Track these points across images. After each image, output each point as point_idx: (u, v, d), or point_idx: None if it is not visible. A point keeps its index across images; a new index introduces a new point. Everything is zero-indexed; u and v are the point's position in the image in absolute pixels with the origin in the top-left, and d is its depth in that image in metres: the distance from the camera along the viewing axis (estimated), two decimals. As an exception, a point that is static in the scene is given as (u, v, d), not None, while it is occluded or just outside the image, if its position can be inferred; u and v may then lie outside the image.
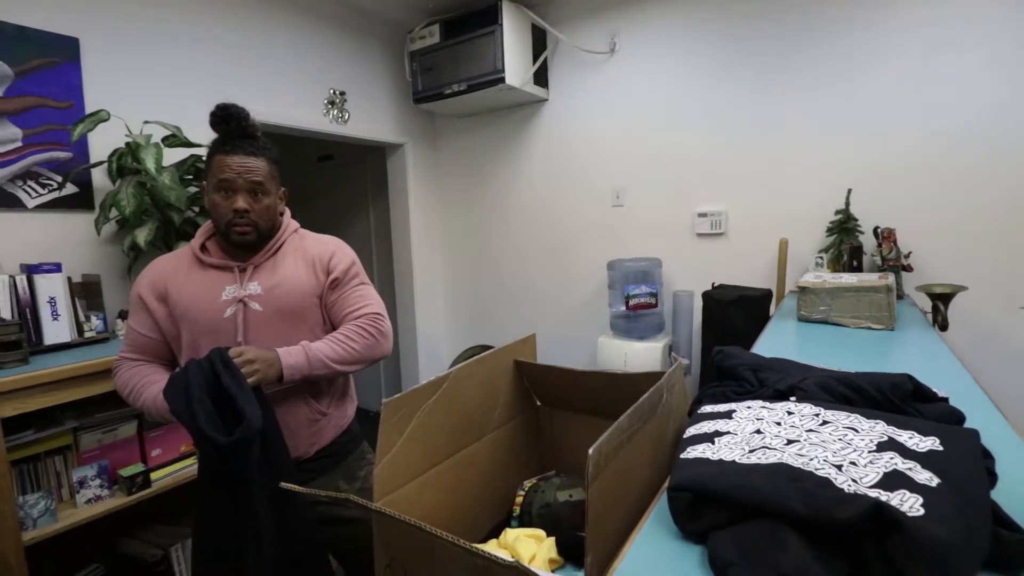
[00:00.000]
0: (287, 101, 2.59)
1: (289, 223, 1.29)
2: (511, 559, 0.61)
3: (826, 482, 0.52)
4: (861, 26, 2.15)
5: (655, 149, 2.70)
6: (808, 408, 0.69)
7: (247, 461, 1.03)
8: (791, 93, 2.32)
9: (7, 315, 1.57)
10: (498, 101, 2.97)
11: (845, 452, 0.58)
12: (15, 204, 1.75)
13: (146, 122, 1.91)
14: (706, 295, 2.37)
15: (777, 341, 1.45)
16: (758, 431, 0.65)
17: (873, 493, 0.50)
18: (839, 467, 0.55)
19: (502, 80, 2.61)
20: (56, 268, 1.69)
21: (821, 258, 2.23)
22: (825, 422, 0.65)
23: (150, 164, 1.70)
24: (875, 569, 0.46)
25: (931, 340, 1.39)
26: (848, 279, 1.62)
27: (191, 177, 1.94)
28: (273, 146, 1.22)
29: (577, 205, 2.99)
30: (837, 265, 2.16)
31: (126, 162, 1.81)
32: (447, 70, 2.80)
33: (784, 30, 2.31)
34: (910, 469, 0.54)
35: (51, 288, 1.66)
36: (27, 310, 1.61)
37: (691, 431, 0.70)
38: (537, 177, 3.11)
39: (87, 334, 1.74)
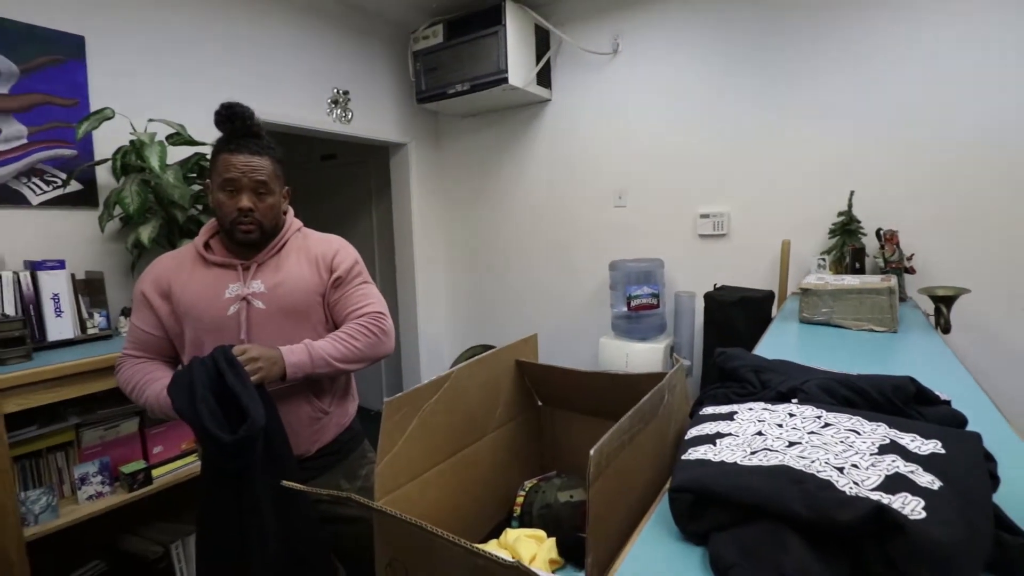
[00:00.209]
0: (291, 100, 2.60)
1: (292, 222, 1.29)
2: (512, 559, 0.61)
3: (828, 484, 0.52)
4: (865, 28, 2.15)
5: (658, 150, 2.70)
6: (810, 410, 0.69)
7: (251, 459, 1.03)
8: (794, 94, 2.32)
9: (11, 311, 1.58)
10: (501, 101, 2.97)
11: (847, 454, 0.58)
12: (20, 201, 1.76)
13: (150, 120, 1.92)
14: (708, 296, 2.37)
15: (779, 343, 1.45)
16: (760, 433, 0.65)
17: (875, 496, 0.49)
18: (841, 469, 0.55)
19: (505, 80, 2.61)
20: (60, 265, 1.70)
21: (823, 260, 2.22)
22: (827, 424, 0.65)
23: (154, 162, 1.70)
24: (876, 572, 0.46)
25: (933, 343, 1.39)
26: (850, 281, 1.61)
27: (195, 175, 1.94)
28: (277, 145, 1.23)
29: (579, 205, 2.99)
30: (839, 267, 2.16)
31: (130, 160, 1.82)
32: (450, 70, 2.80)
33: (787, 31, 2.30)
34: (912, 472, 0.54)
35: (55, 285, 1.66)
36: (31, 307, 1.62)
37: (693, 432, 0.70)
38: (539, 177, 3.11)
39: (90, 331, 1.75)
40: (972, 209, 2.03)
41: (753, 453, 0.60)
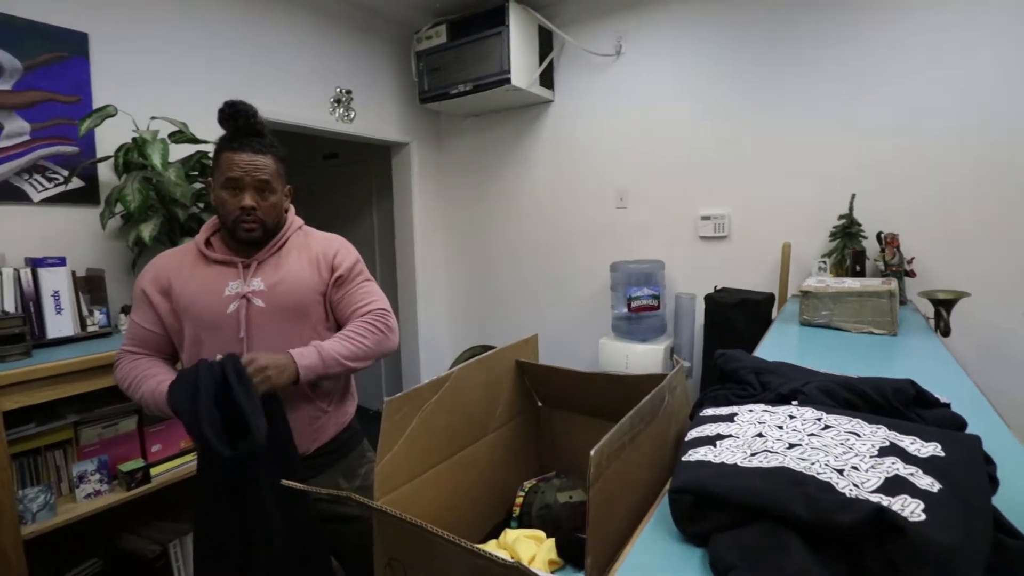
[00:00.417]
0: (294, 99, 2.60)
1: (294, 220, 1.29)
2: (511, 560, 0.61)
3: (828, 486, 0.52)
4: (867, 30, 2.15)
5: (659, 151, 2.70)
6: (810, 412, 0.69)
7: (250, 471, 1.03)
8: (796, 97, 2.32)
9: (11, 308, 1.57)
10: (504, 102, 2.97)
11: (847, 457, 0.58)
12: (21, 198, 1.76)
13: (153, 118, 1.92)
14: (708, 298, 2.37)
15: (779, 345, 1.45)
16: (760, 435, 0.65)
17: (875, 498, 0.50)
18: (841, 471, 0.55)
19: (508, 81, 2.62)
20: (60, 262, 1.70)
21: (824, 262, 2.23)
22: (827, 426, 0.65)
23: (156, 160, 1.70)
24: (876, 573, 0.46)
25: (933, 346, 1.39)
26: (851, 284, 1.61)
27: (196, 173, 1.94)
28: (280, 143, 1.23)
29: (581, 206, 2.99)
30: (840, 270, 2.16)
31: (132, 157, 1.82)
32: (453, 70, 2.81)
33: (789, 35, 2.31)
34: (912, 474, 0.54)
35: (55, 282, 1.66)
36: (31, 303, 1.62)
37: (693, 434, 0.70)
38: (541, 178, 3.12)
39: (90, 328, 1.75)
40: (973, 213, 2.03)
41: (753, 455, 0.60)
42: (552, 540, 0.98)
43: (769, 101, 2.38)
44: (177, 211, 1.84)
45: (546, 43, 2.87)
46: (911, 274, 2.02)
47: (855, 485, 0.52)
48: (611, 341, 2.60)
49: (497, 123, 3.24)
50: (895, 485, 0.52)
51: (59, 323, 1.67)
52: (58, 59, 1.82)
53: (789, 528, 0.50)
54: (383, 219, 3.73)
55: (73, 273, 1.73)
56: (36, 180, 1.79)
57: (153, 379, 1.15)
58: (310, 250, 1.25)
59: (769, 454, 0.60)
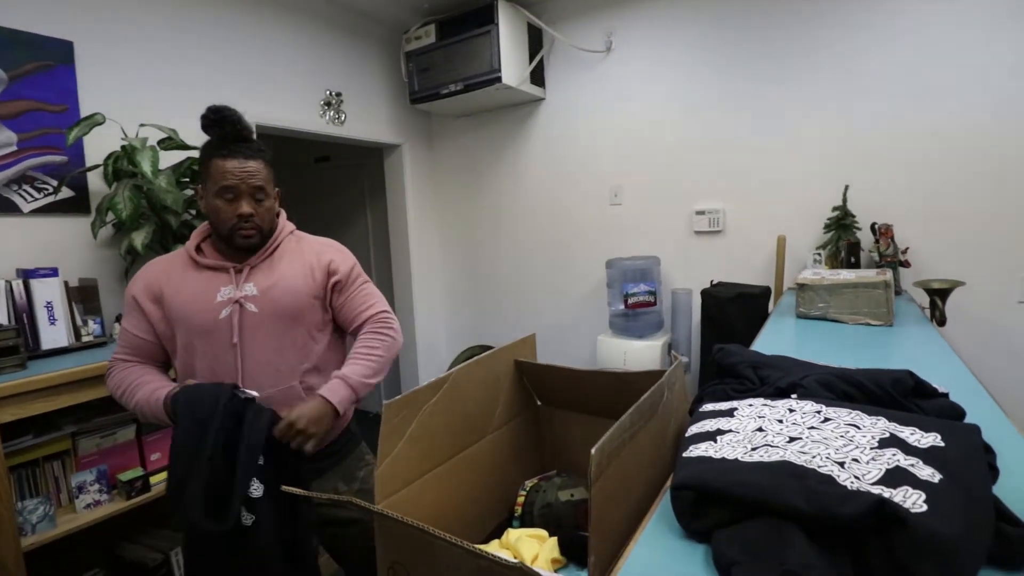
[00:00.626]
0: (283, 103, 2.58)
1: (285, 224, 1.29)
2: (514, 560, 0.61)
3: (829, 479, 0.52)
4: (858, 21, 2.16)
5: (652, 147, 2.70)
6: (810, 405, 0.69)
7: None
8: (788, 89, 2.33)
9: (4, 320, 1.56)
10: (495, 101, 2.96)
11: (847, 449, 0.58)
12: (11, 209, 1.74)
13: (142, 125, 1.90)
14: (705, 293, 2.37)
15: (776, 338, 1.45)
16: (760, 429, 0.65)
17: (876, 490, 0.50)
18: (841, 464, 0.55)
19: (499, 80, 2.61)
20: (53, 272, 1.68)
21: (819, 255, 2.23)
22: (827, 419, 0.65)
23: (146, 167, 1.69)
24: (879, 565, 0.46)
25: (929, 335, 1.40)
26: (846, 275, 1.62)
27: (187, 180, 1.93)
28: (267, 147, 1.22)
29: (575, 204, 2.99)
30: (835, 261, 2.16)
31: (122, 165, 1.80)
32: (443, 70, 2.80)
33: (780, 27, 2.31)
34: (912, 465, 0.54)
35: (48, 292, 1.65)
36: (24, 315, 1.60)
37: (693, 429, 0.70)
38: (534, 176, 3.11)
39: (84, 338, 1.73)
40: (966, 202, 2.04)
41: (754, 449, 0.60)
42: (554, 539, 0.98)
43: (760, 93, 2.39)
44: (169, 218, 1.82)
45: (536, 41, 2.87)
46: (906, 264, 2.03)
47: (856, 477, 0.52)
48: (608, 338, 2.60)
49: (489, 122, 3.23)
50: (896, 476, 0.52)
51: (53, 334, 1.66)
52: (44, 68, 1.80)
53: (791, 522, 0.50)
54: (377, 222, 3.72)
55: (66, 283, 1.72)
56: (25, 191, 1.77)
57: (148, 386, 1.14)
58: (303, 255, 1.25)
59: (770, 448, 0.60)
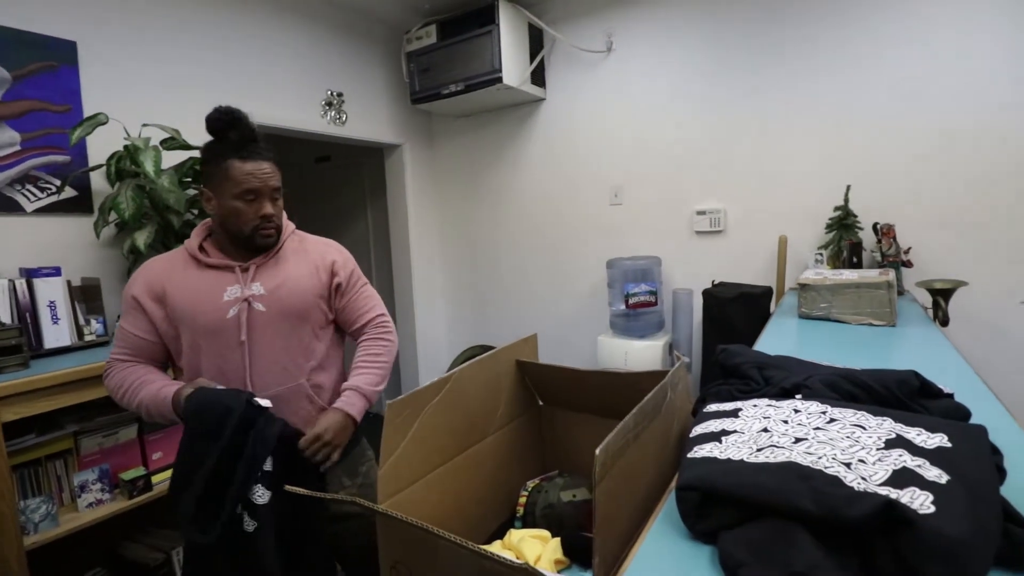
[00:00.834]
0: (285, 103, 2.58)
1: (287, 224, 1.29)
2: (519, 560, 0.61)
3: (836, 480, 0.52)
4: (859, 21, 2.15)
5: (653, 147, 2.70)
6: (815, 406, 0.69)
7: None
8: (789, 89, 2.32)
9: (7, 319, 1.56)
10: (495, 101, 2.96)
11: (853, 450, 0.58)
12: (14, 208, 1.74)
13: (144, 125, 1.90)
14: (706, 293, 2.37)
15: (778, 339, 1.45)
16: (765, 429, 0.65)
17: (883, 491, 0.49)
18: (848, 465, 0.55)
19: (499, 80, 2.61)
20: (56, 272, 1.68)
21: (821, 255, 2.23)
22: (832, 420, 0.65)
23: (149, 167, 1.69)
24: (886, 566, 0.46)
25: (933, 336, 1.39)
26: (849, 276, 1.62)
27: (190, 180, 1.93)
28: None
29: (575, 204, 2.98)
30: (837, 262, 2.16)
31: (125, 165, 1.80)
32: (444, 70, 2.80)
33: (781, 26, 2.31)
34: (919, 466, 0.54)
35: (51, 292, 1.65)
36: (27, 314, 1.60)
37: (698, 430, 0.69)
38: (535, 176, 3.11)
39: (87, 337, 1.74)
40: (969, 201, 2.04)
41: (759, 450, 0.60)
42: (557, 539, 0.98)
43: (761, 93, 2.38)
44: (171, 218, 1.82)
45: (536, 41, 2.87)
46: (908, 264, 2.02)
47: (863, 478, 0.52)
48: (609, 338, 2.60)
49: (489, 122, 3.23)
50: (903, 477, 0.52)
51: (56, 333, 1.66)
52: (47, 68, 1.80)
53: (798, 523, 0.50)
54: (377, 221, 3.72)
55: (68, 283, 1.72)
56: (28, 190, 1.77)
57: (152, 385, 1.13)
58: (308, 255, 1.26)
59: (775, 449, 0.60)
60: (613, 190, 2.84)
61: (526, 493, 1.16)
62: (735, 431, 0.66)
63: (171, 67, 2.15)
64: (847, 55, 2.19)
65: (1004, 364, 2.02)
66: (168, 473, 1.74)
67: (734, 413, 0.71)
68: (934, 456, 0.55)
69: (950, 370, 1.10)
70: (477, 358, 1.09)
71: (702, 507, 0.56)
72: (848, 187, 2.20)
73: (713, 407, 0.75)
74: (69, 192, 1.86)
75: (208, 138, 1.17)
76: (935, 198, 2.09)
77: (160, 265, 1.20)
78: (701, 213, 2.59)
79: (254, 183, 1.13)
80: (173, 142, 1.87)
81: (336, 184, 3.92)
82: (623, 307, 2.55)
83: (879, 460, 0.55)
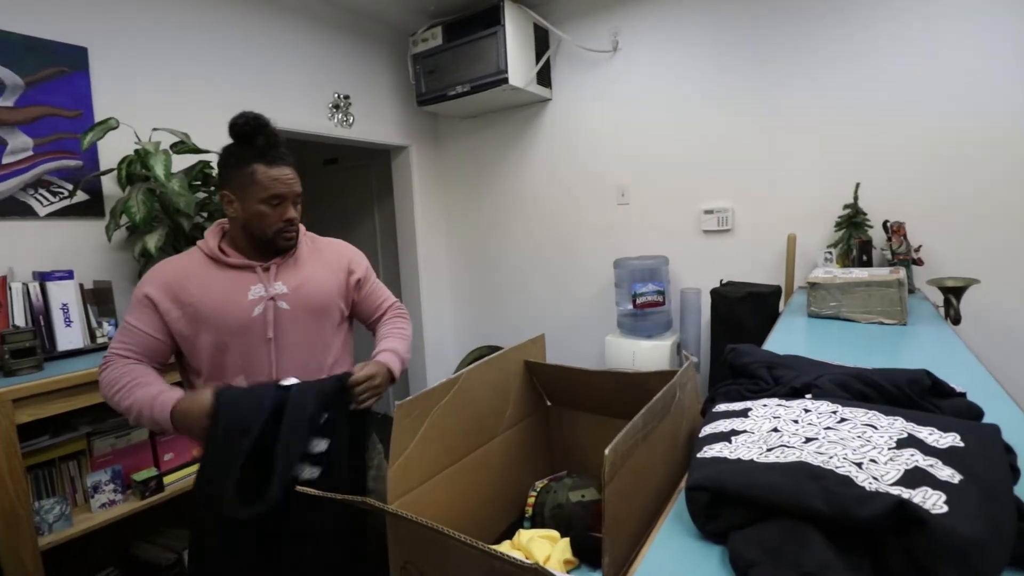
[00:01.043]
0: (292, 106, 2.60)
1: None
2: (528, 561, 0.61)
3: (847, 480, 0.52)
4: (867, 17, 2.13)
5: (660, 146, 2.69)
6: (825, 405, 0.69)
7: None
8: (797, 87, 2.31)
9: (21, 322, 1.58)
10: (501, 102, 2.96)
11: (865, 449, 0.57)
12: (27, 212, 1.77)
13: (155, 129, 1.93)
14: (714, 292, 2.36)
15: (788, 338, 1.44)
16: (775, 429, 0.65)
17: (895, 491, 0.49)
18: (859, 465, 0.55)
19: (505, 81, 2.61)
20: (68, 275, 1.71)
21: (830, 253, 2.21)
22: (843, 419, 0.65)
23: (159, 171, 1.71)
24: (898, 566, 0.46)
25: (944, 334, 1.38)
26: (858, 274, 1.60)
27: (200, 183, 1.95)
28: None
29: (582, 204, 2.98)
30: (846, 260, 2.14)
31: (135, 169, 1.82)
32: (450, 72, 2.80)
33: (788, 24, 2.29)
34: (931, 466, 0.53)
35: (63, 295, 1.67)
36: (40, 317, 1.63)
37: (707, 430, 0.69)
38: (541, 177, 3.11)
39: (99, 340, 1.76)
40: (980, 198, 2.02)
41: (770, 450, 0.60)
42: (567, 540, 0.98)
43: (769, 91, 2.37)
44: (182, 221, 1.84)
45: (542, 41, 2.87)
46: (919, 262, 2.01)
47: (874, 478, 0.52)
48: (617, 338, 2.59)
49: (495, 123, 3.23)
50: (915, 477, 0.51)
51: (69, 335, 1.68)
52: (59, 74, 1.83)
53: (809, 523, 0.49)
54: (385, 223, 3.73)
55: (81, 286, 1.74)
56: (41, 195, 1.80)
57: (150, 387, 1.10)
58: (323, 254, 1.32)
59: (786, 449, 0.60)
60: (620, 189, 2.84)
61: (535, 493, 1.16)
62: (745, 431, 0.66)
63: (180, 72, 2.17)
64: (855, 52, 2.17)
65: (1017, 362, 2.00)
66: (180, 474, 1.76)
67: (744, 413, 0.71)
68: (946, 456, 0.55)
69: (962, 369, 1.09)
70: (485, 359, 1.09)
71: (712, 507, 0.56)
72: (857, 185, 2.18)
73: (722, 407, 0.75)
74: (81, 196, 1.88)
75: (223, 142, 1.19)
76: (946, 195, 2.07)
77: (176, 266, 1.20)
78: (709, 212, 2.58)
79: (280, 188, 1.17)
80: (183, 146, 1.89)
81: (343, 186, 3.94)
82: (631, 307, 2.54)
83: (891, 460, 0.55)
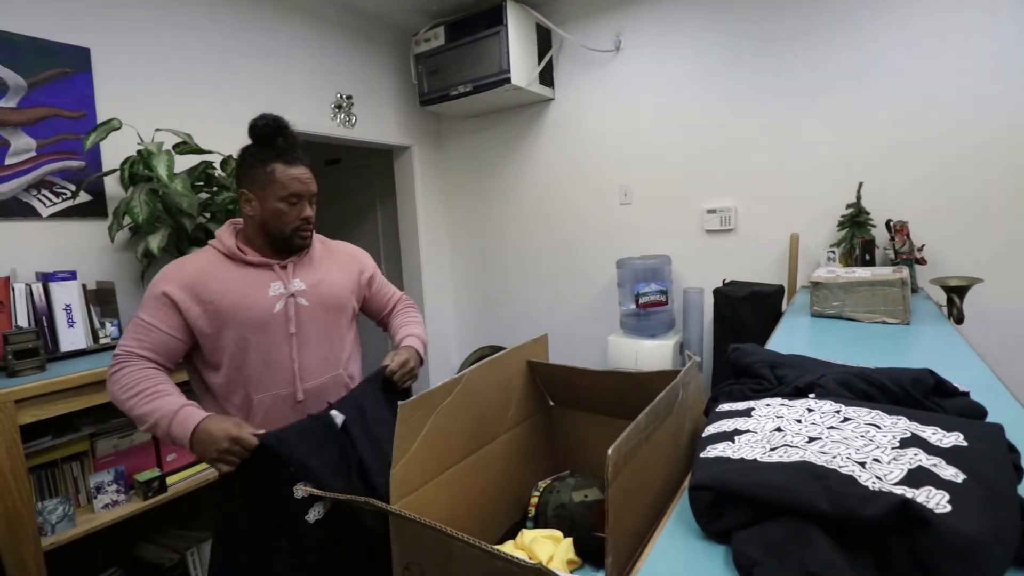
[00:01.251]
0: (295, 106, 2.61)
1: None
2: (531, 561, 0.61)
3: (850, 480, 0.51)
4: (870, 16, 2.13)
5: (662, 146, 2.69)
6: (828, 405, 0.69)
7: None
8: (799, 86, 2.30)
9: (24, 323, 1.59)
10: (504, 101, 2.97)
11: (868, 449, 0.57)
12: (30, 213, 1.77)
13: (157, 130, 1.93)
14: (717, 292, 2.35)
15: (791, 337, 1.44)
16: (778, 429, 0.65)
17: (898, 490, 0.49)
18: (863, 464, 0.54)
19: (508, 80, 2.61)
20: (71, 276, 1.71)
21: (833, 253, 2.21)
22: (846, 419, 0.65)
23: (162, 171, 1.71)
24: (902, 566, 0.46)
25: (947, 333, 1.38)
26: (861, 273, 1.60)
27: (202, 184, 1.95)
28: None
29: (585, 203, 2.98)
30: (849, 259, 2.14)
31: (138, 170, 1.83)
32: (453, 72, 2.80)
33: (791, 23, 2.29)
34: (935, 465, 0.53)
35: (66, 295, 1.68)
36: (43, 317, 1.63)
37: (710, 430, 0.69)
38: (544, 176, 3.11)
39: (102, 340, 1.76)
40: (983, 197, 2.01)
41: (773, 449, 0.60)
42: (569, 540, 0.98)
43: (772, 91, 2.37)
44: (184, 221, 1.85)
45: (544, 41, 2.87)
46: (922, 262, 2.00)
47: (878, 478, 0.52)
48: (620, 338, 2.59)
49: (498, 123, 3.23)
50: (918, 476, 0.51)
51: (72, 336, 1.68)
52: (61, 75, 1.83)
53: (812, 523, 0.49)
54: (387, 223, 3.73)
55: (84, 286, 1.74)
56: (44, 195, 1.80)
57: (170, 397, 1.08)
58: (335, 254, 1.37)
59: (789, 448, 0.59)
60: (622, 189, 2.84)
61: (538, 493, 1.16)
62: (748, 431, 0.66)
63: (183, 72, 2.17)
64: (858, 51, 2.17)
65: (1021, 361, 1.99)
66: (183, 474, 1.76)
67: (747, 412, 0.71)
68: (950, 455, 0.55)
69: (966, 368, 1.09)
70: (487, 359, 1.09)
71: (715, 507, 0.56)
72: (860, 184, 2.17)
73: (726, 407, 0.75)
74: (84, 197, 1.89)
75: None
76: (949, 194, 2.07)
77: (194, 265, 1.19)
78: (711, 212, 2.58)
79: (299, 187, 1.20)
80: (185, 146, 1.89)
81: (346, 186, 3.94)
82: (633, 307, 2.54)
83: (894, 459, 0.55)
